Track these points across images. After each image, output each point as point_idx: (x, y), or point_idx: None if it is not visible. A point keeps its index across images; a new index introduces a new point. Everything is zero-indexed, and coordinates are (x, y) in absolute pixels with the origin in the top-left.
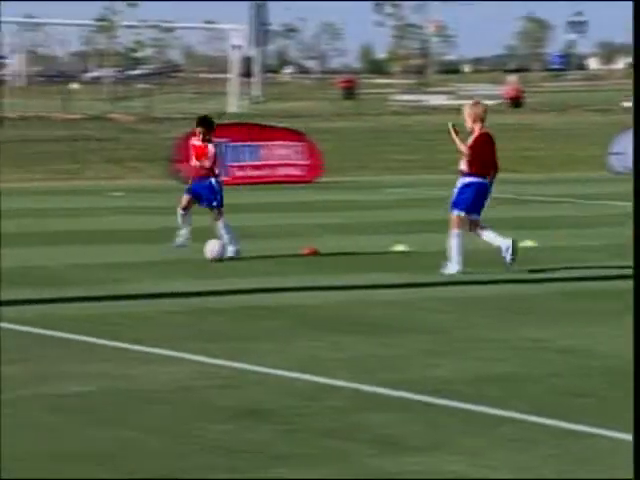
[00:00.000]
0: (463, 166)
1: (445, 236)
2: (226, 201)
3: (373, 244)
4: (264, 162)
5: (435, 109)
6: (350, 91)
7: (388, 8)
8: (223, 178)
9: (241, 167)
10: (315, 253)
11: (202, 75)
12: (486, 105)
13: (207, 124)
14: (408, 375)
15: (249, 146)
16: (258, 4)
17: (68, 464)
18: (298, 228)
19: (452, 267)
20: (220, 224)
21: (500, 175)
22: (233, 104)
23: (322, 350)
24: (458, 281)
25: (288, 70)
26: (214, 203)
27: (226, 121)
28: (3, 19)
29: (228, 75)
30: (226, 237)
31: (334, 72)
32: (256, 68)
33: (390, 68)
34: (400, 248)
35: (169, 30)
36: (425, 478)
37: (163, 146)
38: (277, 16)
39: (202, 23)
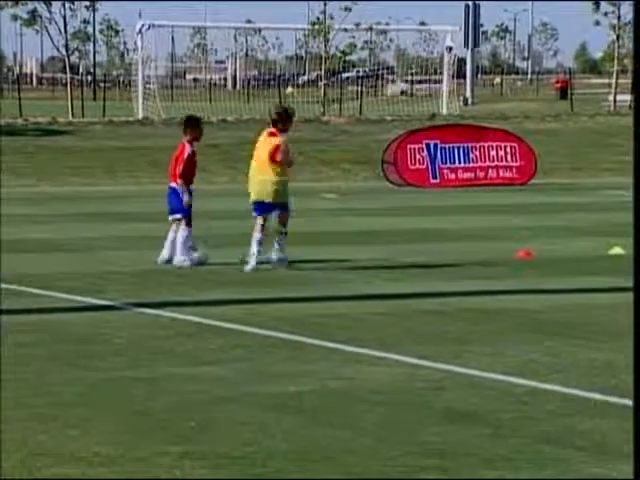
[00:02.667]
0: None
1: None
2: (441, 203)
3: (589, 247)
4: (476, 164)
5: None
6: (565, 91)
7: (606, 7)
8: (434, 181)
9: (453, 169)
10: (530, 256)
11: (414, 77)
12: None
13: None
14: (626, 381)
15: (461, 147)
16: (472, 5)
17: (283, 462)
18: (513, 230)
19: None
20: None
21: None
22: (445, 106)
23: (538, 354)
24: None
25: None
26: None
27: (438, 123)
28: (222, 24)
29: (441, 77)
30: None
31: (548, 72)
32: (469, 69)
33: (607, 68)
34: (617, 251)
35: (382, 32)
36: None
37: (375, 148)
38: (490, 17)
39: (415, 25)
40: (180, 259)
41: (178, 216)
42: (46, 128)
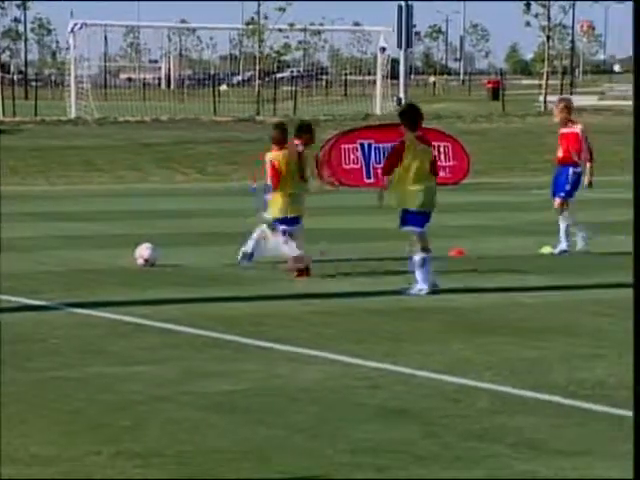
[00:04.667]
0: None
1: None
2: (372, 202)
3: (520, 245)
4: None
5: (584, 110)
6: (496, 92)
7: (537, 8)
8: (369, 180)
9: None
10: (463, 254)
11: (348, 77)
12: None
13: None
14: (556, 378)
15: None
16: (405, 6)
17: (217, 461)
18: (445, 229)
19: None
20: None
21: None
22: (379, 106)
23: (469, 352)
24: (608, 284)
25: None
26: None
27: (372, 123)
28: (155, 24)
29: (374, 77)
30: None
31: (480, 73)
32: (402, 70)
33: (537, 69)
34: (548, 250)
35: (316, 33)
36: None
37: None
38: (423, 18)
39: (349, 25)
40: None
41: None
42: None
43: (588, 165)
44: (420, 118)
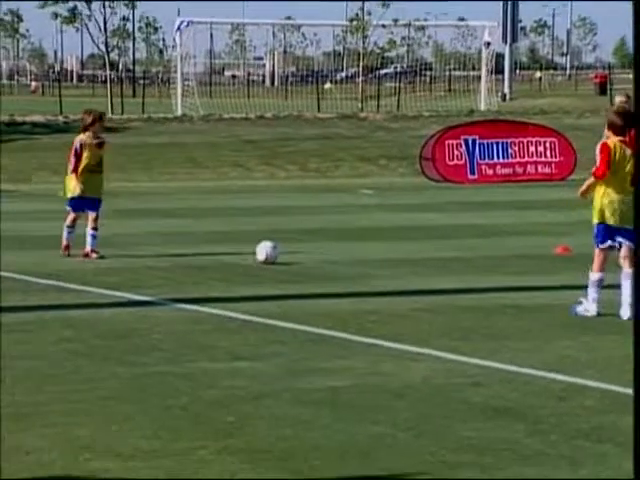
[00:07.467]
0: None
1: None
2: (479, 199)
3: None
4: (515, 159)
5: None
6: (604, 86)
7: None
8: (472, 177)
9: (491, 165)
10: (569, 252)
11: (452, 73)
12: None
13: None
14: None
15: (499, 143)
16: (510, 0)
17: (321, 458)
18: (552, 226)
19: None
20: None
21: None
22: (483, 102)
23: (573, 350)
24: None
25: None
26: None
27: (476, 118)
28: (260, 21)
29: (478, 72)
30: None
31: (587, 67)
32: (507, 65)
33: None
34: None
35: (420, 28)
36: None
37: (413, 144)
38: (528, 12)
39: (454, 21)
40: None
41: None
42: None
43: None
44: (629, 124)
